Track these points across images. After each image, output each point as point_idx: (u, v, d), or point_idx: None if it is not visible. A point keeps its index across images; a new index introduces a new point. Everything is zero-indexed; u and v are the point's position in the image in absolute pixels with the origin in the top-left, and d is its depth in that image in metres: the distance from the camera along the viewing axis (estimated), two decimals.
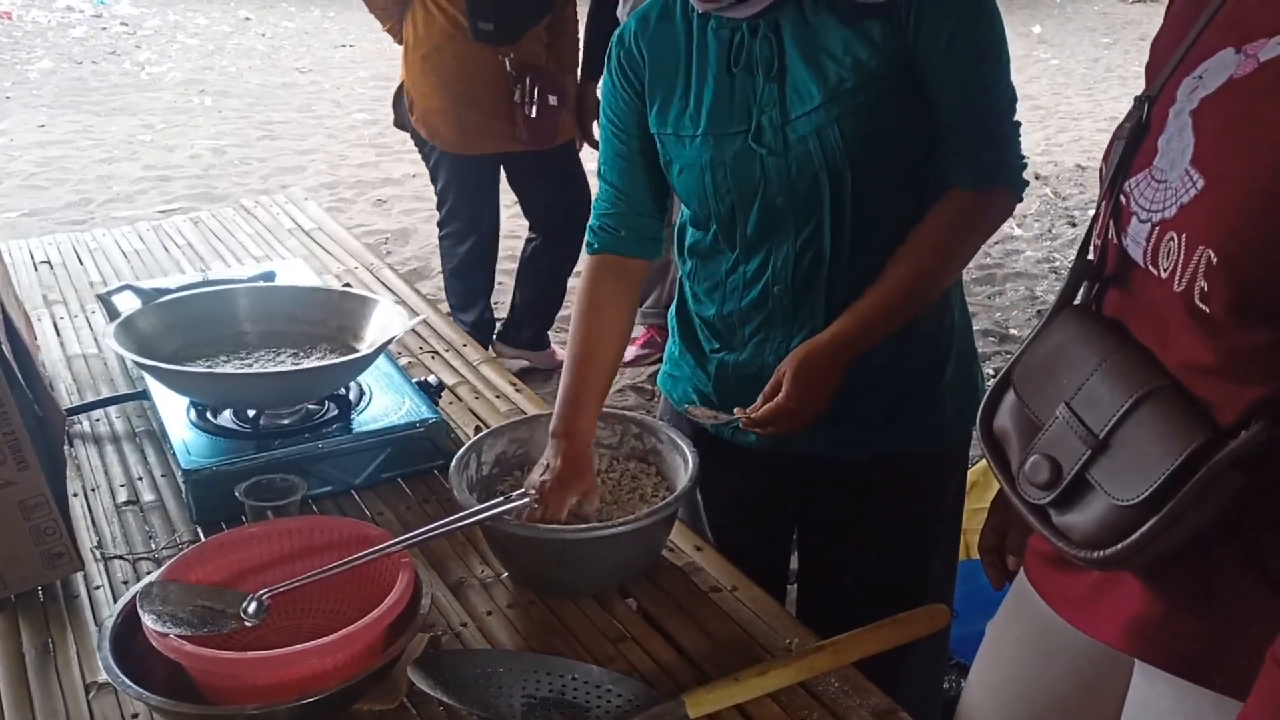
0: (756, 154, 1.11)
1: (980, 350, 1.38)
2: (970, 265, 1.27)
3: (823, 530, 1.34)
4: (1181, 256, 0.69)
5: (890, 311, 1.09)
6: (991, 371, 3.23)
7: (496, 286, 3.12)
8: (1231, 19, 0.72)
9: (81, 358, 1.66)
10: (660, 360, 3.27)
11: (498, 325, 3.18)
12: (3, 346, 1.05)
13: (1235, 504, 0.68)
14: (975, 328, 1.27)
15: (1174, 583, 0.75)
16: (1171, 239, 0.70)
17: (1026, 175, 1.13)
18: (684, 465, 1.18)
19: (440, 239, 3.01)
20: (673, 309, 1.33)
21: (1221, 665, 0.72)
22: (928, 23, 1.05)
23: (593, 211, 1.26)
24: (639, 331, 3.27)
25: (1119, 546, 0.71)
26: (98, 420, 1.48)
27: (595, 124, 3.02)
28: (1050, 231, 4.65)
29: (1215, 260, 0.66)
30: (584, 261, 1.25)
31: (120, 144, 5.61)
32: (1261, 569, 0.70)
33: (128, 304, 1.59)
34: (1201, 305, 0.68)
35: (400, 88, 2.83)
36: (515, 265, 3.12)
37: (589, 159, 2.74)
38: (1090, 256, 0.82)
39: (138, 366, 1.29)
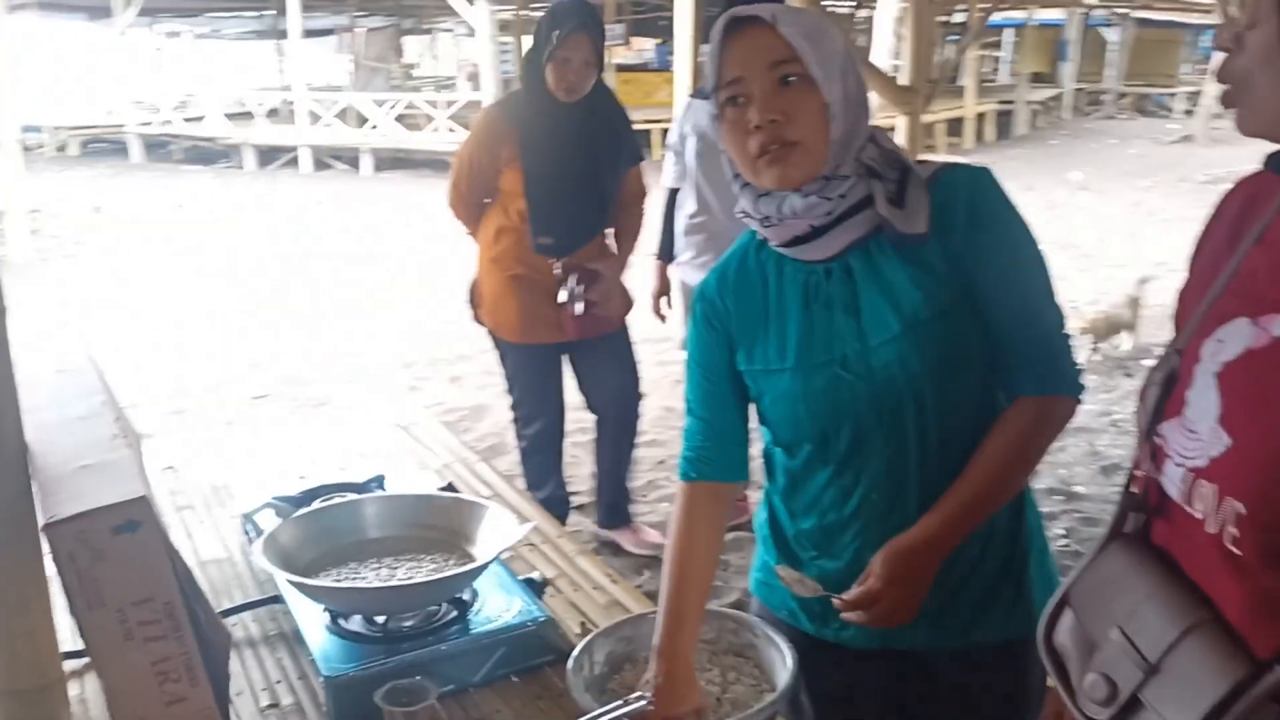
0: (845, 380, 1.24)
1: (1046, 510, 1.45)
2: None
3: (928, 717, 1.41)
4: (1214, 503, 0.80)
5: (972, 511, 1.20)
6: (1062, 531, 3.26)
7: (571, 461, 3.28)
8: (1245, 287, 0.85)
9: (214, 563, 1.81)
10: (731, 530, 3.38)
11: (572, 501, 3.32)
12: (177, 570, 1.20)
13: None
14: (1039, 486, 1.38)
15: None
16: (1203, 485, 0.81)
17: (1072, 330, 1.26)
18: (781, 660, 1.28)
19: (513, 420, 3.21)
20: (762, 522, 1.44)
21: None
22: (985, 255, 1.20)
23: (685, 442, 1.38)
24: None
25: None
26: (234, 624, 1.61)
27: (664, 299, 3.27)
28: (1105, 384, 4.72)
29: (1244, 512, 0.77)
30: (678, 488, 1.37)
31: (211, 332, 5.97)
32: None
33: (264, 516, 1.76)
34: (1233, 548, 0.79)
35: (473, 284, 3.09)
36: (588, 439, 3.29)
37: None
38: (1134, 489, 0.93)
39: (289, 584, 1.43)
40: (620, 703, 1.18)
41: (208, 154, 15.28)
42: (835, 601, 1.20)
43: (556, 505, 3.15)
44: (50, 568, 1.28)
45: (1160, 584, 0.85)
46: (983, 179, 1.23)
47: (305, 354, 5.55)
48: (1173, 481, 0.85)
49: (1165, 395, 0.88)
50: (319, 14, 20.24)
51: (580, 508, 3.39)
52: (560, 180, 2.84)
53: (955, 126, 15.56)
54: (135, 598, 1.15)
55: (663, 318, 3.45)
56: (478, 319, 3.11)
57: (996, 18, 21.57)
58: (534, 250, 2.90)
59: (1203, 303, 0.88)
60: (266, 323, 6.23)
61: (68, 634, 1.59)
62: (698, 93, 3.10)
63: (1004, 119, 16.97)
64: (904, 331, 1.21)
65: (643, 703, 1.19)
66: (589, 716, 1.17)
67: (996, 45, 21.01)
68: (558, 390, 3.14)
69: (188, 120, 15.98)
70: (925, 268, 1.21)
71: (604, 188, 2.94)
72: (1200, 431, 0.83)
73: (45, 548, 1.32)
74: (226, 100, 16.15)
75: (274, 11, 20.01)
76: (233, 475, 2.17)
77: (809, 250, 1.24)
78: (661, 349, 3.42)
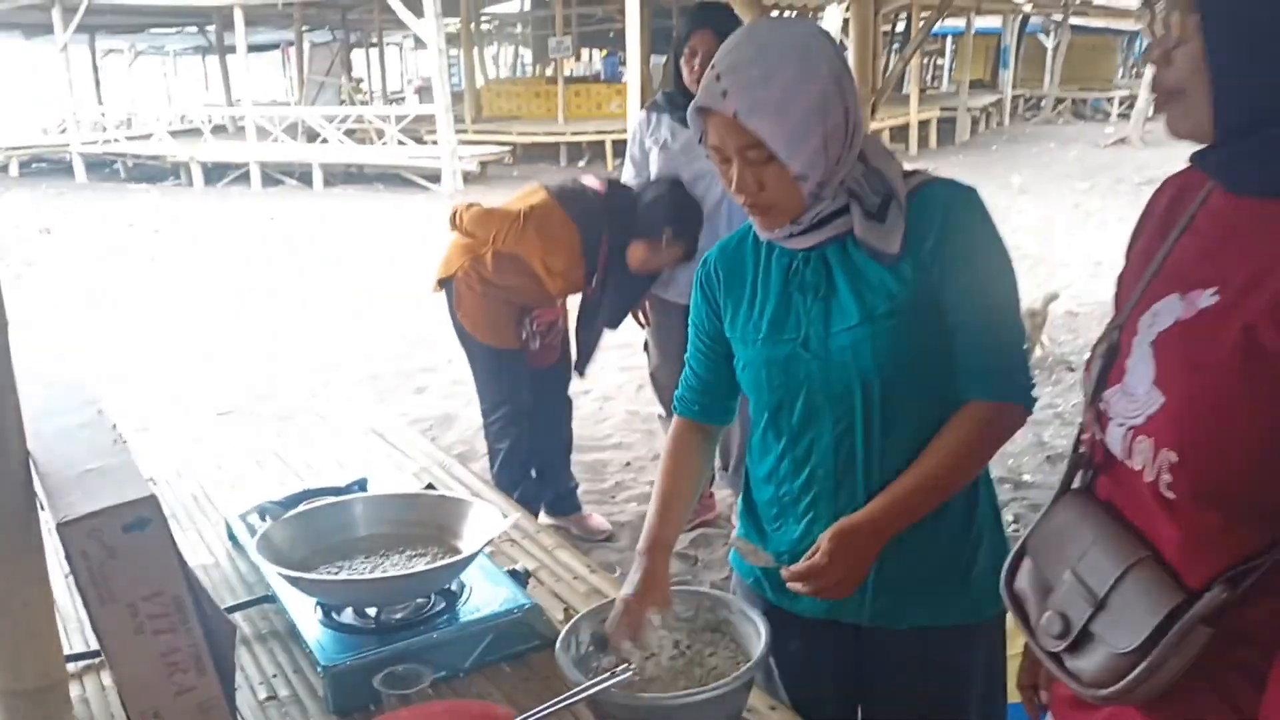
0: (802, 357, 1.35)
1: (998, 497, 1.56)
2: None
3: (876, 692, 1.52)
4: (1151, 455, 0.91)
5: (915, 500, 1.30)
6: (1011, 518, 3.40)
7: None
8: (1175, 270, 0.96)
9: (202, 568, 1.86)
10: (697, 528, 3.48)
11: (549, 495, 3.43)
12: (188, 569, 1.26)
13: (1207, 652, 0.87)
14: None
15: (1166, 717, 0.93)
16: (1142, 440, 0.92)
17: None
18: (756, 634, 1.37)
19: (485, 425, 3.30)
20: (741, 496, 1.56)
21: None
22: (952, 268, 1.29)
23: (681, 385, 1.56)
24: None
25: (1118, 686, 0.90)
26: None
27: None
28: (1051, 378, 4.91)
29: (1176, 459, 0.88)
30: (674, 421, 1.58)
31: (171, 349, 5.90)
32: (1232, 705, 0.89)
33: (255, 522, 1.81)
34: (1167, 493, 0.90)
35: (455, 286, 3.13)
36: None
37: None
38: (1082, 449, 1.04)
39: (280, 577, 1.49)
40: (607, 675, 1.26)
41: (154, 172, 15.10)
42: (783, 572, 1.31)
43: (531, 502, 3.23)
44: (53, 571, 1.34)
45: (1105, 530, 0.96)
46: (961, 197, 1.33)
47: (269, 369, 5.55)
48: (1115, 441, 0.96)
49: (1108, 367, 0.99)
50: (263, 29, 20.11)
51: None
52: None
53: (900, 133, 15.89)
54: (145, 592, 1.21)
55: (643, 323, 3.51)
56: (455, 319, 3.19)
57: (937, 25, 22.07)
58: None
59: (1139, 285, 1.00)
60: (227, 338, 6.21)
61: (68, 637, 1.64)
62: (655, 105, 3.19)
63: (947, 125, 17.36)
64: (861, 322, 1.31)
65: (628, 674, 1.27)
66: (579, 688, 1.25)
67: (940, 53, 21.45)
68: (523, 385, 3.25)
69: (132, 138, 15.78)
70: (893, 270, 1.31)
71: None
72: (1138, 394, 0.94)
73: (47, 550, 1.38)
74: (171, 117, 15.99)
75: (216, 27, 19.85)
76: (210, 486, 2.22)
77: (791, 240, 1.36)
78: (625, 355, 3.52)
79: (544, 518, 3.40)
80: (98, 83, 20.59)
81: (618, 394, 3.90)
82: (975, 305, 1.30)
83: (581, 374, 3.32)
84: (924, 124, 16.55)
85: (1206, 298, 0.90)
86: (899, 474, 1.32)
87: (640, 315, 3.33)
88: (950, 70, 20.90)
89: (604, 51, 23.15)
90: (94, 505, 1.18)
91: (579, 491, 3.50)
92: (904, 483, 1.31)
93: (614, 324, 3.22)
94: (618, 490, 3.78)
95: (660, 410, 3.55)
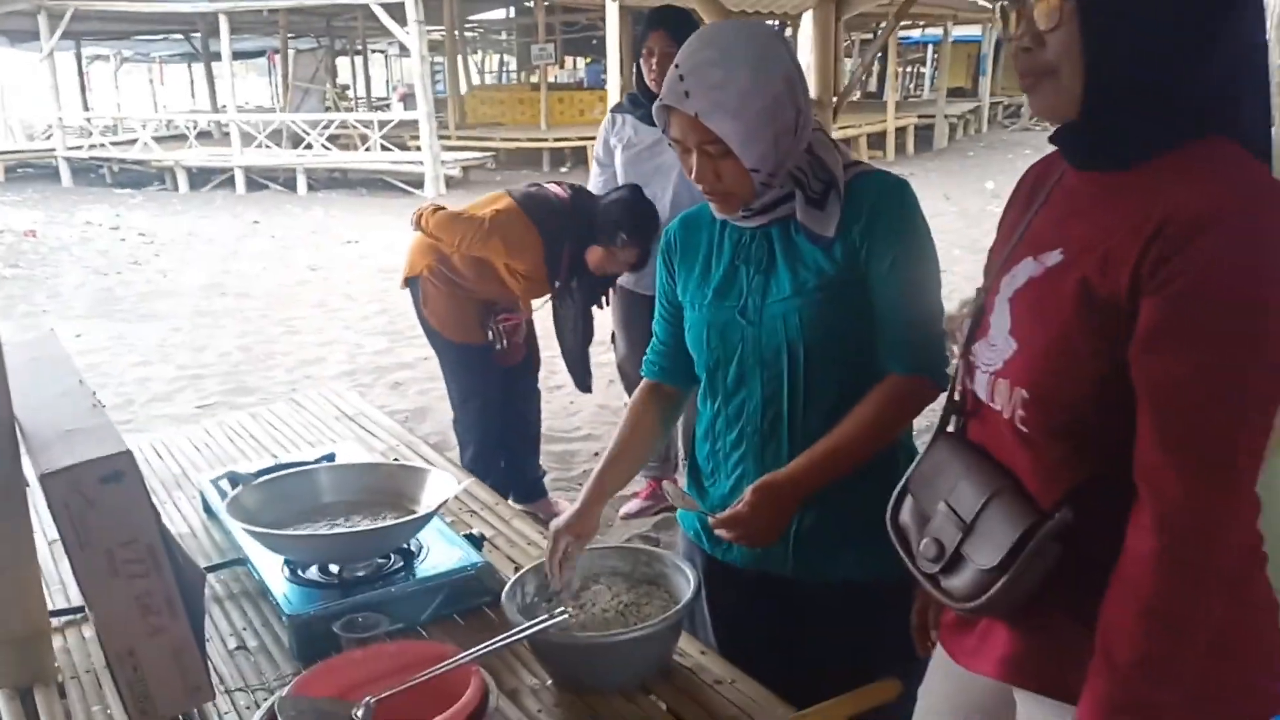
0: (738, 324, 1.49)
1: None
2: None
3: (805, 644, 1.63)
4: (1008, 395, 1.05)
5: (833, 461, 1.43)
6: None
7: None
8: (1032, 238, 1.10)
9: (179, 538, 1.98)
10: (660, 512, 3.60)
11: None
12: (161, 522, 1.38)
13: (1059, 567, 1.01)
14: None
15: (1028, 626, 1.06)
16: (1001, 383, 1.06)
17: None
18: (687, 584, 1.50)
19: (455, 419, 3.41)
20: (688, 455, 1.69)
21: (1064, 681, 1.03)
22: (876, 250, 1.42)
23: (649, 349, 1.69)
24: (642, 485, 3.61)
25: (984, 598, 1.03)
26: None
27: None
28: None
29: (1028, 396, 1.02)
30: (641, 383, 1.71)
31: (153, 348, 6.07)
32: (1076, 612, 1.02)
33: (226, 488, 1.93)
34: (1022, 427, 1.03)
35: (422, 285, 3.24)
36: None
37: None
38: (955, 398, 1.18)
39: (249, 534, 1.61)
40: (545, 616, 1.39)
41: (140, 177, 15.16)
42: (710, 520, 1.44)
43: (500, 491, 3.34)
44: (38, 526, 1.45)
45: (972, 465, 1.10)
46: (893, 187, 1.46)
47: (249, 367, 5.66)
48: (981, 386, 1.10)
49: (976, 324, 1.13)
50: (248, 36, 20.20)
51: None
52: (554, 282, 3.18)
53: (878, 140, 16.07)
54: (121, 539, 1.33)
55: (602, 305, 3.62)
56: (421, 316, 3.30)
57: (916, 34, 22.30)
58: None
59: (1004, 253, 1.13)
60: (209, 337, 6.31)
61: (51, 597, 1.75)
62: (620, 107, 3.32)
63: (925, 132, 17.55)
64: (793, 295, 1.45)
65: (565, 617, 1.39)
66: (518, 628, 1.38)
67: (922, 62, 21.68)
68: (495, 383, 3.36)
69: (117, 144, 15.84)
70: (827, 251, 1.45)
71: None
72: (998, 343, 1.07)
73: (33, 508, 1.50)
74: (157, 123, 16.05)
75: (201, 34, 19.92)
76: (188, 466, 2.34)
77: (743, 220, 1.50)
78: (597, 351, 3.65)
79: (513, 505, 3.52)
80: (84, 89, 20.65)
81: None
82: (897, 284, 1.43)
83: (588, 390, 3.47)
84: (902, 130, 16.75)
85: (1054, 257, 1.04)
86: (821, 437, 1.45)
87: (603, 299, 3.42)
88: (932, 78, 21.11)
89: (588, 59, 23.33)
90: (74, 459, 1.30)
91: (547, 480, 3.61)
92: (824, 445, 1.44)
93: (580, 363, 3.37)
94: (584, 478, 3.89)
95: (627, 400, 3.66)
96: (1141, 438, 0.95)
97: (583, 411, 3.61)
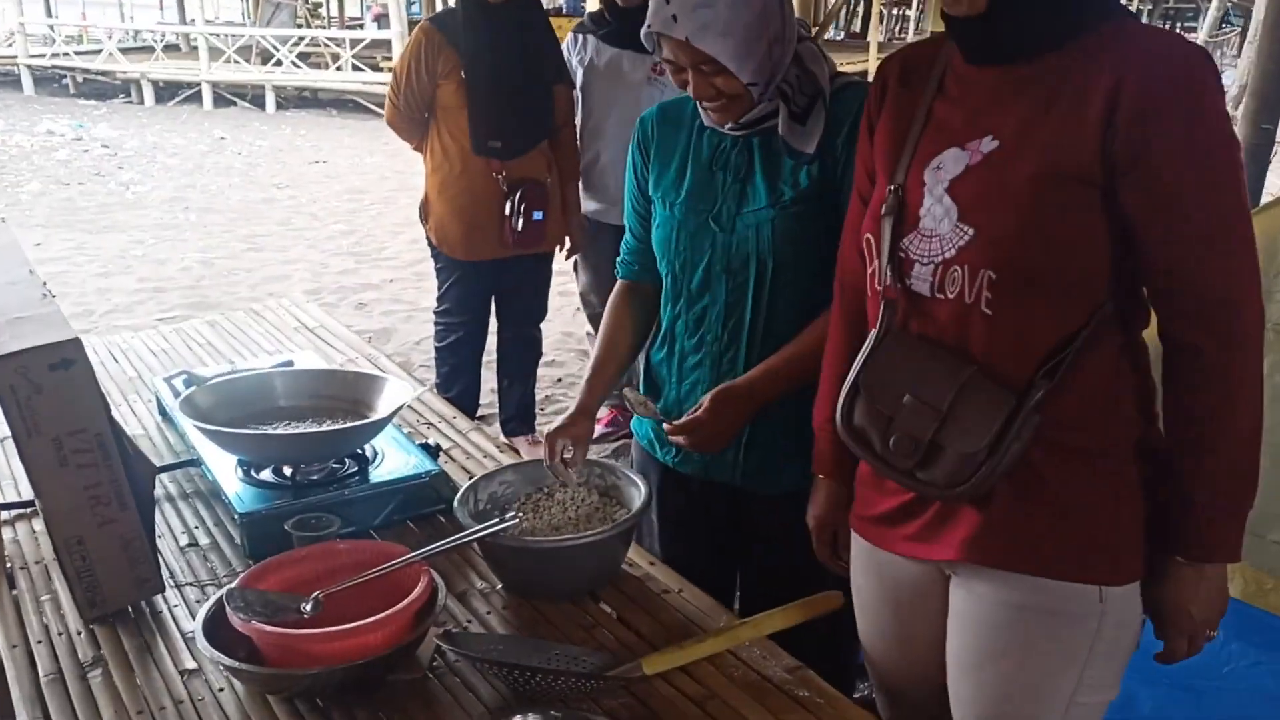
0: (710, 229, 1.49)
1: None
2: None
3: (751, 555, 1.67)
4: (967, 280, 1.06)
5: (788, 372, 1.44)
6: None
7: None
8: (943, 131, 1.11)
9: (133, 438, 1.96)
10: (622, 439, 3.61)
11: (480, 409, 3.52)
12: (110, 412, 1.37)
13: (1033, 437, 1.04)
14: None
15: (993, 506, 1.10)
16: (955, 270, 1.07)
17: None
18: (638, 496, 1.51)
19: (435, 321, 3.38)
20: (643, 358, 1.69)
21: (1030, 554, 1.08)
22: (849, 167, 1.39)
23: (622, 248, 1.68)
24: (603, 412, 3.63)
25: (972, 481, 1.06)
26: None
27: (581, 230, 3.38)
28: None
29: (995, 276, 1.04)
30: (617, 283, 1.70)
31: (114, 259, 5.96)
32: (1041, 485, 1.07)
33: (180, 388, 1.91)
34: (987, 310, 1.05)
35: (425, 199, 3.24)
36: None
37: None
38: (886, 299, 1.16)
39: (201, 432, 1.60)
40: (496, 520, 1.40)
41: (104, 89, 14.74)
42: (665, 426, 1.44)
43: (465, 403, 3.34)
44: None
45: (932, 355, 1.11)
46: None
47: (211, 282, 5.58)
48: (922, 279, 1.10)
49: (900, 220, 1.13)
50: None
51: (483, 418, 3.57)
52: (502, 82, 2.98)
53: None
54: (69, 428, 1.32)
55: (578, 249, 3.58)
56: (426, 233, 3.27)
57: None
58: (475, 152, 3.04)
59: (904, 149, 1.14)
60: (171, 250, 6.21)
61: (2, 491, 1.74)
62: (581, 26, 3.25)
63: None
64: (768, 206, 1.45)
65: (514, 522, 1.40)
66: (468, 531, 1.39)
67: (908, 4, 21.38)
68: (486, 305, 3.36)
69: (81, 53, 15.35)
70: (805, 167, 1.44)
71: (543, 94, 3.10)
72: (943, 233, 1.08)
73: None
74: (123, 34, 15.56)
75: None
76: (145, 370, 2.31)
77: (726, 128, 1.48)
78: (559, 280, 3.64)
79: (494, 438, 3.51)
80: None
81: (555, 315, 4.01)
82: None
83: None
84: None
85: (988, 144, 1.06)
86: (778, 349, 1.46)
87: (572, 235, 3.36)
88: (918, 21, 20.84)
89: None
90: (21, 345, 1.28)
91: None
92: (781, 356, 1.45)
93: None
94: (547, 404, 3.92)
95: (589, 329, 3.66)
96: (1157, 253, 1.03)
97: (548, 339, 3.61)
